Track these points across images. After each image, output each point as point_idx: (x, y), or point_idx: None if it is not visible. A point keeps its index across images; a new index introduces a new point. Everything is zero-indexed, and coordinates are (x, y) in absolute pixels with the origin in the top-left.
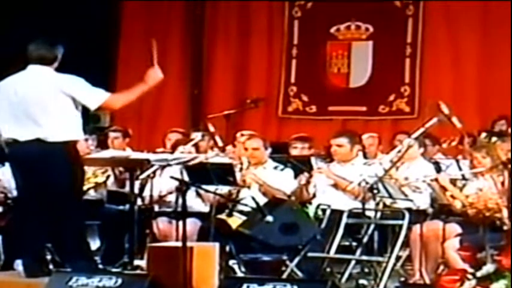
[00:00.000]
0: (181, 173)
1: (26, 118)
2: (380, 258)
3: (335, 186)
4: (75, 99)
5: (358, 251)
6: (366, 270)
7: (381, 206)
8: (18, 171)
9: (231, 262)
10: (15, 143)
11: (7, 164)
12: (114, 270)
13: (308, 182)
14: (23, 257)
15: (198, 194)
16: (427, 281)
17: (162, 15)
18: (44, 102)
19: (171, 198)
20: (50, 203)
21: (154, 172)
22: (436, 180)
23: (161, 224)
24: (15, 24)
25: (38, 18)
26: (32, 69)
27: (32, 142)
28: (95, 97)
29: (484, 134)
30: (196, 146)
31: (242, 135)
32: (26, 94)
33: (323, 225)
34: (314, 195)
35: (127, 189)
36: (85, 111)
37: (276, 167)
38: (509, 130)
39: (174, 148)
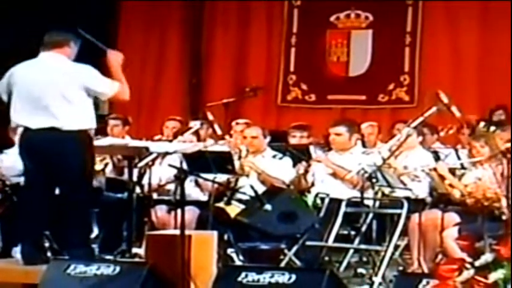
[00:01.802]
0: (180, 161)
1: (40, 106)
2: (378, 247)
3: (334, 175)
4: (89, 88)
5: (357, 240)
6: (364, 259)
7: (379, 195)
8: (29, 158)
9: (230, 250)
10: (28, 130)
11: (6, 151)
12: (112, 258)
13: (306, 171)
14: (22, 243)
15: (197, 183)
16: (426, 270)
17: (161, 4)
18: (58, 90)
19: (170, 186)
20: (62, 190)
21: (153, 160)
22: (435, 169)
23: (159, 212)
24: (12, 19)
25: (36, 13)
26: (45, 56)
27: (45, 130)
28: (109, 87)
29: (482, 123)
30: (196, 134)
31: (238, 123)
32: (39, 82)
33: (321, 214)
34: (313, 184)
35: (125, 177)
36: None
37: (274, 156)
38: (508, 119)
39: (174, 137)
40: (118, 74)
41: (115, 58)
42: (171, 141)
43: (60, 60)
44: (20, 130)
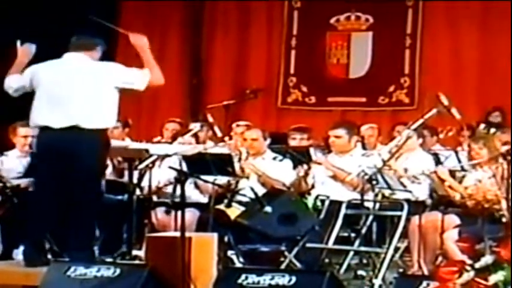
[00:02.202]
0: (180, 163)
1: (63, 105)
2: (378, 249)
3: (334, 177)
4: (124, 84)
5: (357, 242)
6: (365, 261)
7: (379, 197)
8: (44, 158)
9: (230, 253)
10: (48, 129)
11: (7, 153)
12: (112, 260)
13: (306, 174)
14: (26, 245)
15: (196, 185)
16: (426, 272)
17: (161, 5)
18: (81, 89)
19: (169, 189)
20: (76, 190)
21: (153, 162)
22: (435, 173)
23: (160, 214)
24: (11, 19)
25: (36, 15)
26: (70, 57)
27: (67, 129)
28: (141, 78)
29: (482, 125)
30: (196, 136)
31: (238, 125)
32: (64, 81)
33: (322, 216)
34: (313, 186)
35: (126, 179)
36: None
37: (274, 158)
38: (505, 121)
39: (173, 139)
40: (148, 57)
41: (139, 41)
42: (170, 143)
43: (85, 61)
44: (34, 131)
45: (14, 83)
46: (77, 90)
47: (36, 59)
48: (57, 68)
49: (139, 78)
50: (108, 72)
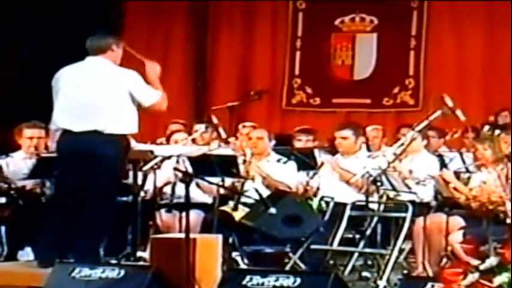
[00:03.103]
0: (177, 161)
1: (84, 109)
2: (383, 251)
3: (339, 178)
4: (132, 94)
5: (361, 244)
6: (369, 262)
7: (384, 198)
8: (66, 160)
9: (234, 254)
10: (69, 133)
11: (12, 155)
12: (117, 261)
13: (312, 178)
14: (39, 245)
15: (197, 185)
16: (430, 274)
17: (166, 7)
18: (103, 94)
19: (167, 189)
20: (94, 194)
21: (157, 164)
22: (440, 175)
23: (164, 216)
24: (14, 19)
25: (40, 13)
26: (90, 61)
27: (88, 133)
28: (149, 95)
29: (487, 127)
30: (193, 139)
31: (244, 126)
32: (84, 85)
33: (326, 217)
34: (318, 188)
35: (130, 180)
36: None
37: (279, 160)
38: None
39: (169, 138)
40: (158, 85)
41: (153, 69)
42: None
43: (105, 64)
44: (57, 134)
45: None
46: (97, 94)
47: (38, 59)
48: (78, 72)
49: (147, 95)
50: (122, 78)
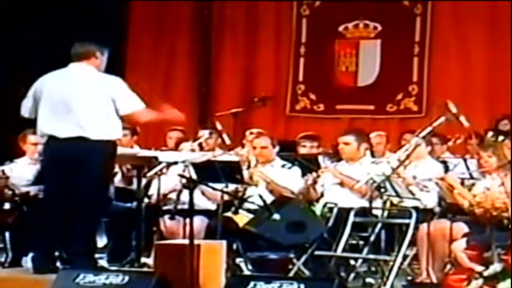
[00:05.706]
0: (187, 170)
1: (68, 115)
2: (387, 257)
3: (342, 184)
4: (113, 100)
5: (365, 250)
6: (373, 268)
7: (388, 204)
8: (53, 167)
9: (238, 260)
10: (54, 139)
11: (16, 161)
12: (121, 267)
13: (315, 182)
14: (35, 252)
15: (202, 192)
16: (434, 280)
17: (170, 14)
18: (86, 100)
19: (173, 196)
20: (82, 200)
21: (161, 170)
22: (442, 179)
23: (168, 222)
24: (22, 24)
25: (47, 19)
26: (74, 66)
27: (72, 139)
28: (129, 104)
29: (490, 133)
30: (200, 144)
31: (251, 133)
32: (67, 91)
33: (330, 223)
34: (322, 195)
35: (134, 186)
36: None
37: (283, 165)
38: None
39: (176, 147)
40: (160, 116)
41: (174, 115)
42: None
43: (88, 71)
44: (43, 140)
45: (23, 110)
46: (80, 100)
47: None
48: (61, 78)
49: (128, 103)
50: (104, 84)
